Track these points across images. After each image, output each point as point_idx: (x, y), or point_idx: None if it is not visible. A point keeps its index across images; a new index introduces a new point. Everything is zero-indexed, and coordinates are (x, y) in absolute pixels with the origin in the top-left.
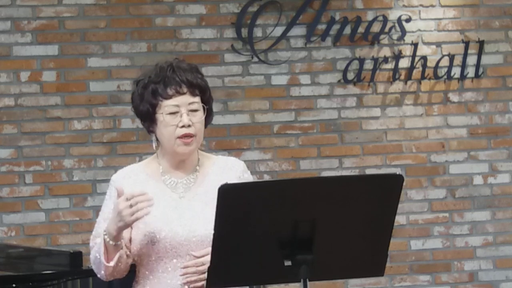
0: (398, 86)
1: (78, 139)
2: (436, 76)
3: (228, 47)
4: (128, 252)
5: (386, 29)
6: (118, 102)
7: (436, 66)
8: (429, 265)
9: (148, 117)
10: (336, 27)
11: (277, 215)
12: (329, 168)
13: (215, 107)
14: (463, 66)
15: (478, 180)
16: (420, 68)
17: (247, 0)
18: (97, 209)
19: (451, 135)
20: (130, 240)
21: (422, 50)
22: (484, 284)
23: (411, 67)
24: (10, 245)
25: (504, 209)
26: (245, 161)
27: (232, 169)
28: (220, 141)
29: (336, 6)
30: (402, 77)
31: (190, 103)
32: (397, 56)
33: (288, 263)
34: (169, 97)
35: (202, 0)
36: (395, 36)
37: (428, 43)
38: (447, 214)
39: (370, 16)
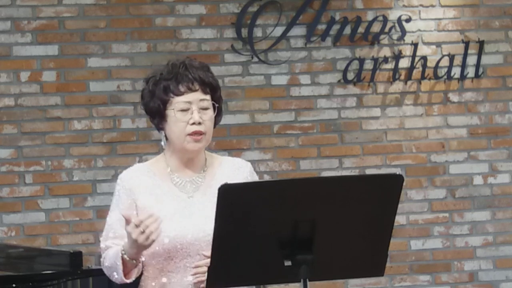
0: (398, 86)
1: (78, 139)
2: (436, 76)
3: (228, 47)
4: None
5: (386, 29)
6: (118, 102)
7: (436, 66)
8: (429, 265)
9: (158, 114)
10: (336, 27)
11: (277, 215)
12: (329, 168)
13: None
14: (463, 66)
15: (478, 180)
16: (420, 68)
17: (247, 0)
18: (97, 209)
19: (451, 135)
20: None
21: (422, 50)
22: (484, 284)
23: (411, 67)
24: (10, 245)
25: (504, 209)
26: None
27: (240, 170)
28: (220, 141)
29: (336, 6)
30: (402, 77)
31: (201, 100)
32: (397, 56)
33: (288, 263)
34: (181, 93)
35: (202, 0)
36: (395, 36)
37: (428, 43)
38: (447, 214)
39: (370, 16)
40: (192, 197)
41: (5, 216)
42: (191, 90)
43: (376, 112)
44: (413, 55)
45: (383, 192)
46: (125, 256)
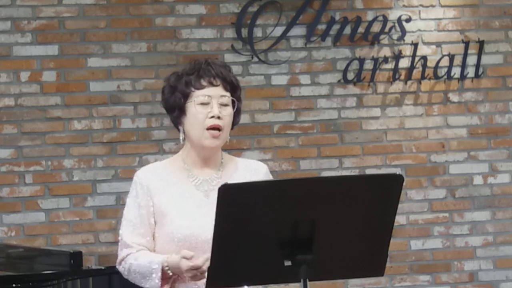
0: (398, 86)
1: (78, 139)
2: (436, 76)
3: (228, 47)
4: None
5: (386, 29)
6: (118, 102)
7: (436, 66)
8: (429, 265)
9: (178, 108)
10: (336, 27)
11: (277, 215)
12: (329, 168)
13: None
14: (463, 66)
15: (478, 180)
16: (420, 68)
17: (247, 0)
18: (97, 209)
19: (451, 135)
20: (154, 237)
21: (422, 50)
22: (484, 284)
23: (411, 67)
24: (10, 245)
25: (504, 209)
26: None
27: (256, 171)
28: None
29: (336, 6)
30: (402, 77)
31: (221, 96)
32: (397, 56)
33: (288, 263)
34: (202, 87)
35: (202, 0)
36: (395, 36)
37: (428, 43)
38: (447, 214)
39: (370, 16)
40: (208, 196)
41: (5, 216)
42: (212, 84)
43: (376, 112)
44: (413, 55)
45: (383, 192)
46: (167, 270)
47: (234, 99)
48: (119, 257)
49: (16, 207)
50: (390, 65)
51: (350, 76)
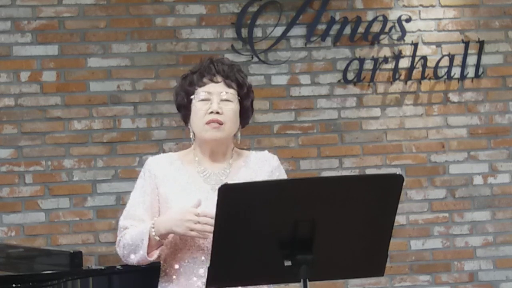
0: (398, 86)
1: (78, 139)
2: (436, 76)
3: (228, 47)
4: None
5: (386, 29)
6: (118, 102)
7: (436, 66)
8: (429, 265)
9: (183, 106)
10: (336, 27)
11: (277, 215)
12: (329, 168)
13: None
14: (463, 66)
15: (478, 180)
16: (420, 68)
17: (247, 0)
18: (97, 209)
19: (451, 135)
20: None
21: (422, 50)
22: (484, 284)
23: (411, 67)
24: (10, 245)
25: (504, 209)
26: None
27: (265, 163)
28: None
29: (336, 6)
30: (402, 77)
31: (222, 92)
32: (397, 56)
33: (288, 263)
34: (203, 84)
35: (202, 0)
36: (395, 36)
37: (428, 43)
38: (447, 214)
39: (370, 16)
40: (215, 190)
41: (5, 216)
42: (212, 81)
43: (376, 112)
44: (413, 55)
45: (383, 192)
46: (153, 232)
47: (239, 96)
48: (117, 240)
49: (16, 207)
50: (390, 65)
51: (350, 76)
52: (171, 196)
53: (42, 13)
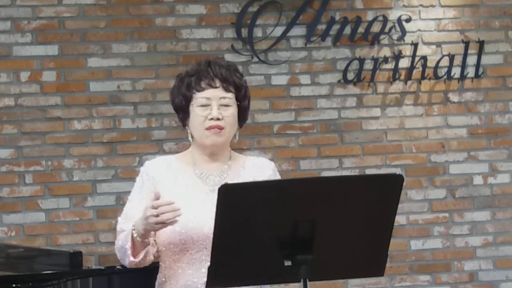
0: (398, 86)
1: (78, 139)
2: (436, 76)
3: (228, 47)
4: (153, 242)
5: (386, 29)
6: (118, 102)
7: (436, 66)
8: (429, 265)
9: (182, 110)
10: (336, 27)
11: (277, 215)
12: (329, 168)
13: None
14: (463, 66)
15: (478, 180)
16: (420, 68)
17: (247, 0)
18: (97, 209)
19: (451, 135)
20: None
21: (422, 50)
22: (484, 284)
23: (411, 67)
24: (10, 245)
25: (504, 209)
26: None
27: (264, 169)
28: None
29: (336, 6)
30: (402, 77)
31: (221, 98)
32: (397, 56)
33: (288, 263)
34: (202, 89)
35: (202, 0)
36: (395, 36)
37: (428, 43)
38: (447, 214)
39: (370, 16)
40: (213, 191)
41: (5, 216)
42: (211, 86)
43: (376, 112)
44: (413, 55)
45: (383, 192)
46: (134, 233)
47: (236, 100)
48: (115, 244)
49: (16, 207)
50: (390, 65)
51: (350, 76)
52: (170, 199)
53: (42, 13)
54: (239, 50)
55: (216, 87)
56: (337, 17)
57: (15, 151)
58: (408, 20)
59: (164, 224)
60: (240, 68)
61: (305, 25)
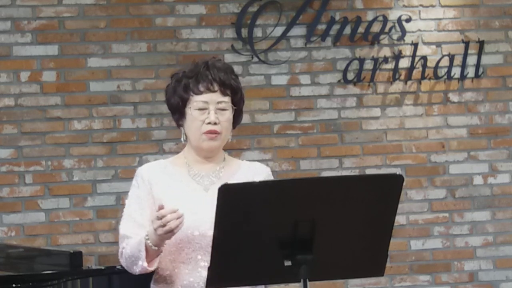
0: (398, 86)
1: (78, 139)
2: (436, 76)
3: (228, 47)
4: None
5: (386, 29)
6: (118, 102)
7: (436, 66)
8: (429, 265)
9: (178, 110)
10: (336, 27)
11: (277, 215)
12: (329, 168)
13: None
14: (463, 66)
15: (478, 180)
16: (420, 68)
17: (247, 0)
18: (97, 209)
19: (451, 135)
20: None
21: (422, 50)
22: (484, 284)
23: (411, 67)
24: (10, 245)
25: (504, 209)
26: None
27: (257, 173)
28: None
29: (336, 6)
30: (402, 77)
31: (219, 102)
32: (397, 56)
33: (288, 263)
34: (200, 92)
35: (202, 0)
36: (395, 36)
37: (428, 43)
38: (447, 214)
39: (370, 16)
40: (208, 190)
41: (5, 216)
42: (209, 90)
43: (376, 112)
44: (413, 55)
45: (383, 192)
46: (148, 242)
47: (233, 104)
48: (119, 250)
49: (16, 207)
50: (390, 65)
51: (350, 76)
52: (166, 201)
53: (42, 13)
54: (239, 50)
55: (214, 91)
56: (337, 17)
57: (15, 151)
58: (408, 20)
59: (173, 232)
60: (240, 68)
61: (305, 25)
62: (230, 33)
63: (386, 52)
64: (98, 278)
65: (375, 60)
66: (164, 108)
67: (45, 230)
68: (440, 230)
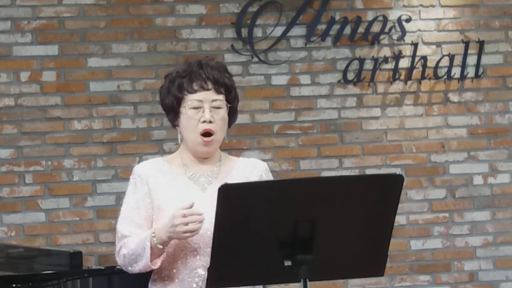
0: (398, 86)
1: (78, 139)
2: (436, 76)
3: (228, 47)
4: None
5: (386, 29)
6: (118, 102)
7: (436, 66)
8: (429, 265)
9: (172, 110)
10: (336, 27)
11: (277, 215)
12: (329, 168)
13: None
14: (463, 66)
15: (478, 180)
16: (420, 68)
17: (247, 0)
18: (97, 209)
19: (451, 135)
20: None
21: (422, 50)
22: (484, 284)
23: (411, 67)
24: (10, 245)
25: (504, 209)
26: None
27: (255, 168)
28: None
29: (336, 6)
30: (402, 77)
31: (213, 100)
32: (397, 56)
33: (288, 263)
34: (194, 91)
35: (202, 0)
36: (395, 36)
37: (428, 43)
38: (447, 214)
39: (370, 16)
40: (205, 190)
41: (5, 216)
42: (203, 88)
43: (376, 112)
44: (413, 55)
45: (383, 192)
46: (154, 240)
47: (227, 102)
48: (117, 249)
49: (16, 207)
50: (390, 65)
51: (350, 76)
52: (164, 200)
53: (42, 13)
54: (239, 50)
55: (208, 90)
56: (337, 17)
57: (15, 151)
58: (408, 20)
59: (192, 233)
60: (240, 68)
61: (305, 25)
62: (230, 33)
63: (386, 52)
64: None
65: (375, 60)
66: None
67: (45, 230)
68: (440, 230)
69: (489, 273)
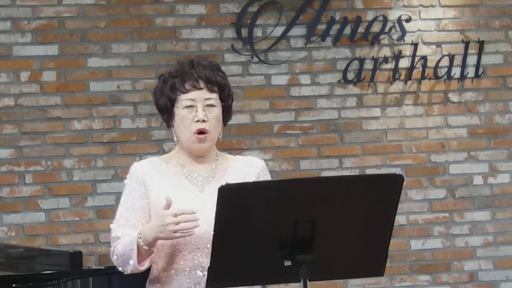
0: (398, 86)
1: (78, 139)
2: (436, 76)
3: (228, 47)
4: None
5: (386, 29)
6: (118, 102)
7: (436, 66)
8: (429, 265)
9: (166, 111)
10: (336, 27)
11: (277, 215)
12: (329, 168)
13: None
14: (463, 66)
15: (478, 180)
16: (420, 68)
17: (247, 0)
18: (97, 209)
19: (451, 135)
20: None
21: (422, 50)
22: (484, 284)
23: (411, 67)
24: (10, 245)
25: (504, 209)
26: None
27: (252, 166)
28: (220, 141)
29: (336, 6)
30: (402, 77)
31: (206, 99)
32: (397, 56)
33: (288, 263)
34: (186, 91)
35: (202, 0)
36: (395, 36)
37: (428, 43)
38: (447, 214)
39: (370, 16)
40: (203, 191)
41: (5, 216)
42: (196, 88)
43: (376, 112)
44: (413, 55)
45: (383, 192)
46: (140, 241)
47: (221, 100)
48: (111, 250)
49: (16, 207)
50: (390, 65)
51: (350, 76)
52: (161, 200)
53: (42, 13)
54: (239, 50)
55: (200, 89)
56: (337, 17)
57: (15, 151)
58: (408, 20)
59: (182, 233)
60: (240, 68)
61: (305, 25)
62: (230, 33)
63: (386, 52)
64: (98, 278)
65: (375, 60)
66: None
67: (45, 230)
68: (440, 230)
69: (489, 273)
